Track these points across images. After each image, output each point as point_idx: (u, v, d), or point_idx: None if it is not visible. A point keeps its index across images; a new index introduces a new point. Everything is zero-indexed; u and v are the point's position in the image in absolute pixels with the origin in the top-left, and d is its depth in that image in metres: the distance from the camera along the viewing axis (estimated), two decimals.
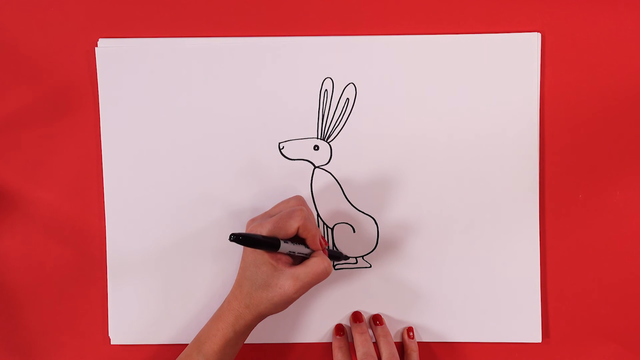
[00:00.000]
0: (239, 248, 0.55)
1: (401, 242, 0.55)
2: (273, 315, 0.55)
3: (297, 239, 0.48)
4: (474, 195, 0.55)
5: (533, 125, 0.54)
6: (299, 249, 0.48)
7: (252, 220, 0.50)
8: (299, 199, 0.51)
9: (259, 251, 0.47)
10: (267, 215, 0.50)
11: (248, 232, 0.48)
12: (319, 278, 0.47)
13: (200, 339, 0.49)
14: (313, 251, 0.49)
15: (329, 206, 0.55)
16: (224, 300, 0.50)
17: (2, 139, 0.56)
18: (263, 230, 0.46)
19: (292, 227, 0.46)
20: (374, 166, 0.55)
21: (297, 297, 0.47)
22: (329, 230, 0.55)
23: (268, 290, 0.46)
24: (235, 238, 0.43)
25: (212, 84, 0.54)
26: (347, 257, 0.55)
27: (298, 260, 0.49)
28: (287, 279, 0.46)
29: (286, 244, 0.47)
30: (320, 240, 0.49)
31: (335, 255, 0.54)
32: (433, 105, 0.54)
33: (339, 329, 0.55)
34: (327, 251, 0.51)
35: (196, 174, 0.55)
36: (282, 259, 0.48)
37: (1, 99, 0.55)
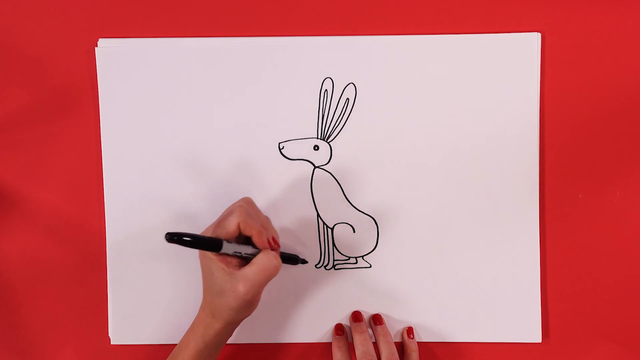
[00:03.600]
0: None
1: (401, 242, 0.55)
2: (273, 315, 0.55)
3: (243, 239, 0.47)
4: (474, 195, 0.55)
5: (533, 125, 0.54)
6: (245, 249, 0.47)
7: (207, 229, 0.49)
8: (245, 199, 0.50)
9: (210, 257, 0.46)
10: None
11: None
12: (268, 274, 0.46)
13: (175, 351, 0.49)
14: (260, 250, 0.47)
15: (329, 206, 0.55)
16: (197, 313, 0.49)
17: (2, 139, 0.56)
18: (206, 233, 0.46)
19: (232, 223, 0.45)
20: (374, 166, 0.55)
21: (254, 299, 0.46)
22: (329, 230, 0.55)
23: (224, 296, 0.45)
24: (170, 237, 0.42)
25: (212, 84, 0.54)
26: (304, 261, 0.54)
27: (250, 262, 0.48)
28: (238, 281, 0.45)
29: (230, 244, 0.45)
30: (269, 240, 0.47)
31: (291, 258, 0.52)
32: (433, 105, 0.54)
33: (339, 329, 0.55)
34: (278, 252, 0.49)
35: (196, 174, 0.55)
36: (233, 262, 0.46)
37: (1, 99, 0.55)
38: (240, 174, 0.55)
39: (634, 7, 0.54)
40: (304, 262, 0.54)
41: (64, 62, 0.55)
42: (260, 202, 0.55)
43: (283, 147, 0.55)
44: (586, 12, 0.54)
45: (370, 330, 0.55)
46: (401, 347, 0.56)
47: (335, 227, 0.55)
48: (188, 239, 0.43)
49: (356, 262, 0.56)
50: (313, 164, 0.55)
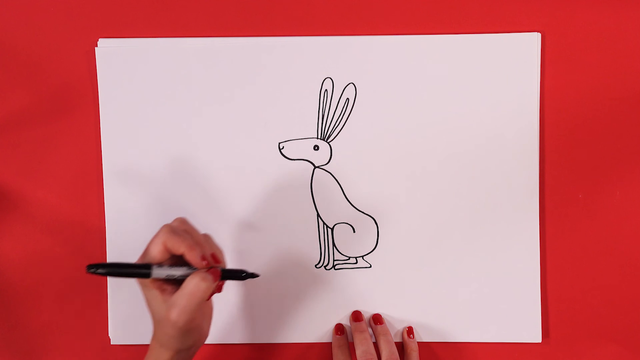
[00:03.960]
0: (239, 247, 0.55)
1: (401, 242, 0.55)
2: (273, 315, 0.55)
3: (179, 261, 0.45)
4: (474, 195, 0.55)
5: (533, 125, 0.54)
6: (177, 270, 0.43)
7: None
8: (177, 219, 0.46)
9: (145, 285, 0.44)
10: None
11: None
12: (196, 298, 0.42)
13: None
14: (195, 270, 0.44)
15: (329, 206, 0.55)
16: None
17: (2, 139, 0.56)
18: (138, 261, 0.44)
19: (156, 245, 0.43)
20: (374, 166, 0.55)
21: (189, 325, 0.43)
22: (329, 230, 0.55)
23: (163, 325, 0.43)
24: (91, 269, 0.41)
25: (212, 84, 0.54)
26: (253, 275, 0.47)
27: None
28: (169, 308, 0.43)
29: (161, 268, 0.43)
30: (204, 256, 0.43)
31: (235, 274, 0.46)
32: (433, 105, 0.54)
33: (339, 329, 0.55)
34: (216, 270, 0.44)
35: (196, 174, 0.55)
36: (168, 289, 0.44)
37: (1, 99, 0.55)
38: (241, 174, 0.55)
39: (634, 7, 0.54)
40: (254, 276, 0.47)
41: (64, 62, 0.55)
42: (261, 202, 0.55)
43: (283, 147, 0.55)
44: (586, 12, 0.54)
45: (370, 330, 0.55)
46: (401, 347, 0.56)
47: (335, 227, 0.55)
48: (112, 269, 0.42)
49: (356, 262, 0.56)
50: (313, 164, 0.55)
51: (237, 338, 0.56)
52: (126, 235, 0.55)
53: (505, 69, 0.54)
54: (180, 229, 0.45)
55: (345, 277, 0.56)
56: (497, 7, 0.54)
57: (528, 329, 0.55)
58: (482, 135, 0.54)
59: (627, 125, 0.55)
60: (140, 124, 0.55)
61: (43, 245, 0.56)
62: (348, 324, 0.56)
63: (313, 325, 0.56)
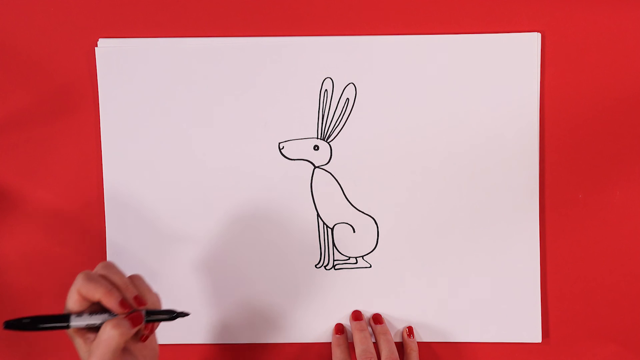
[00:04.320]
0: (239, 247, 0.55)
1: (401, 242, 0.55)
2: (273, 315, 0.55)
3: (102, 307, 0.43)
4: (474, 195, 0.55)
5: (533, 125, 0.54)
6: (97, 319, 0.42)
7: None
8: (101, 264, 0.45)
9: (72, 335, 0.43)
10: None
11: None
12: (109, 346, 0.41)
13: None
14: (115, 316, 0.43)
15: (329, 206, 0.55)
16: None
17: (2, 139, 0.56)
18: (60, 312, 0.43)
19: (71, 294, 0.42)
20: (374, 166, 0.55)
21: None
22: (329, 230, 0.55)
23: None
24: (9, 325, 0.40)
25: (212, 84, 0.54)
26: (183, 314, 0.46)
27: None
28: (90, 357, 0.41)
29: (79, 318, 0.42)
30: (123, 301, 0.42)
31: (160, 316, 0.45)
32: (433, 105, 0.54)
33: (339, 328, 0.55)
34: (138, 314, 0.43)
35: (196, 174, 0.55)
36: (91, 337, 0.43)
37: (1, 99, 0.55)
38: (240, 174, 0.55)
39: (634, 7, 0.54)
40: (183, 315, 0.46)
41: (64, 62, 0.55)
42: (261, 202, 0.55)
43: (283, 147, 0.55)
44: (586, 12, 0.54)
45: (370, 329, 0.55)
46: (401, 347, 0.56)
47: (335, 227, 0.55)
48: (31, 324, 0.41)
49: (356, 262, 0.56)
50: (313, 164, 0.55)
51: (237, 338, 0.56)
52: (126, 235, 0.55)
53: (505, 69, 0.54)
54: (97, 274, 0.44)
55: (345, 277, 0.56)
56: (497, 7, 0.54)
57: (528, 329, 0.55)
58: (482, 135, 0.54)
59: (627, 125, 0.55)
60: (140, 124, 0.55)
61: (43, 245, 0.56)
62: (348, 323, 0.56)
63: (313, 325, 0.56)
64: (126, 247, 0.55)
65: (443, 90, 0.54)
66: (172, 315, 0.45)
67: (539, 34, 0.54)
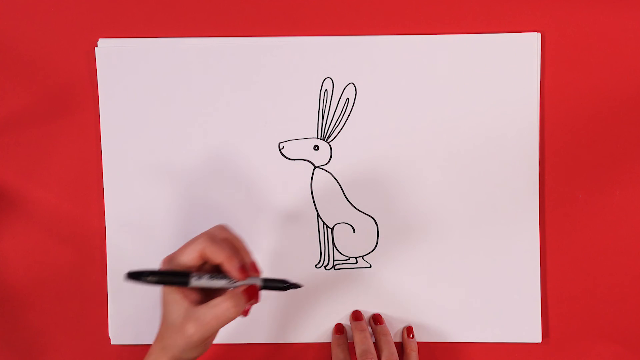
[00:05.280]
0: None
1: (401, 242, 0.55)
2: (273, 315, 0.55)
3: (219, 270, 0.44)
4: (474, 195, 0.55)
5: (533, 125, 0.54)
6: (216, 283, 0.42)
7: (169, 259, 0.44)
8: (218, 226, 0.45)
9: (169, 287, 0.43)
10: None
11: (162, 268, 0.43)
12: (220, 321, 0.41)
13: None
14: (235, 283, 0.43)
15: (329, 206, 0.55)
16: None
17: (2, 139, 0.56)
18: (169, 264, 0.42)
19: (191, 252, 0.42)
20: (374, 166, 0.55)
21: (203, 342, 0.42)
22: (329, 230, 0.55)
23: (174, 332, 0.42)
24: (131, 275, 0.40)
25: (212, 84, 0.54)
26: (296, 286, 0.45)
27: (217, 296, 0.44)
28: (190, 320, 0.41)
29: (199, 279, 0.42)
30: (245, 266, 0.43)
31: (277, 284, 0.45)
32: (433, 105, 0.54)
33: (339, 328, 0.55)
34: (255, 290, 0.44)
35: (196, 174, 0.55)
36: (191, 296, 0.42)
37: (1, 99, 0.55)
38: (240, 174, 0.55)
39: (634, 7, 0.54)
40: (296, 286, 0.45)
41: (64, 62, 0.55)
42: (261, 202, 0.55)
43: (283, 147, 0.55)
44: (586, 12, 0.54)
45: (370, 330, 0.55)
46: (401, 347, 0.56)
47: (335, 227, 0.55)
48: (149, 275, 0.41)
49: (356, 262, 0.56)
50: (313, 164, 0.55)
51: (237, 338, 0.56)
52: (126, 235, 0.55)
53: (505, 69, 0.54)
54: (220, 237, 0.44)
55: (345, 277, 0.56)
56: (497, 7, 0.54)
57: (528, 329, 0.55)
58: (482, 135, 0.54)
59: (627, 125, 0.55)
60: (140, 124, 0.55)
61: (43, 245, 0.56)
62: (348, 323, 0.56)
63: (313, 325, 0.56)
64: (126, 247, 0.55)
65: (443, 90, 0.54)
66: (285, 285, 0.45)
67: (539, 34, 0.54)
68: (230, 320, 0.42)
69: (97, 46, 0.55)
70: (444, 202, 0.55)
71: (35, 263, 0.56)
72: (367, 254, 0.56)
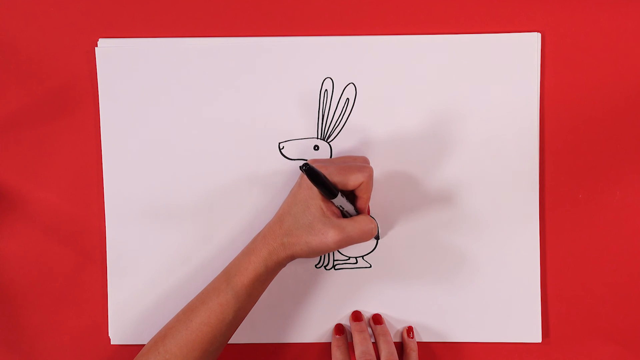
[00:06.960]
0: (239, 247, 0.55)
1: (401, 242, 0.55)
2: (273, 315, 0.55)
3: (349, 197, 0.48)
4: (474, 195, 0.55)
5: (533, 125, 0.54)
6: (349, 207, 0.48)
7: (315, 160, 0.49)
8: (365, 159, 0.50)
9: (313, 191, 0.46)
10: (330, 161, 0.50)
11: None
12: (363, 236, 0.47)
13: (229, 271, 0.48)
14: (358, 213, 0.49)
15: None
16: (258, 235, 0.49)
17: (2, 139, 0.56)
18: (327, 173, 0.45)
19: (357, 180, 0.46)
20: (373, 166, 0.55)
21: (335, 249, 0.46)
22: None
23: (309, 233, 0.46)
24: (304, 167, 0.42)
25: (212, 83, 0.54)
26: (377, 237, 0.55)
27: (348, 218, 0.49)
28: (332, 227, 0.45)
29: (342, 198, 0.46)
30: (369, 208, 0.49)
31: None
32: (433, 105, 0.54)
33: (339, 329, 0.55)
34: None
35: (196, 174, 0.55)
36: (331, 208, 0.47)
37: (1, 99, 0.55)
38: (241, 174, 0.55)
39: (634, 7, 0.54)
40: (377, 238, 0.55)
41: (64, 62, 0.55)
42: (261, 202, 0.55)
43: (283, 147, 0.55)
44: (586, 12, 0.54)
45: (370, 330, 0.55)
46: (401, 347, 0.56)
47: None
48: (317, 175, 0.43)
49: (356, 262, 0.56)
50: None
51: (237, 338, 0.56)
52: (126, 235, 0.55)
53: (505, 69, 0.54)
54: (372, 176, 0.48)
55: (345, 277, 0.56)
56: (497, 7, 0.54)
57: (528, 329, 0.55)
58: (482, 135, 0.54)
59: (627, 125, 0.55)
60: (140, 123, 0.55)
61: (43, 245, 0.56)
62: (348, 324, 0.56)
63: (313, 325, 0.56)
64: (126, 247, 0.55)
65: (443, 90, 0.54)
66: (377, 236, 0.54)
67: (539, 34, 0.54)
68: (367, 239, 0.48)
69: (97, 46, 0.55)
70: (444, 201, 0.55)
71: (35, 263, 0.56)
72: (367, 254, 0.56)
